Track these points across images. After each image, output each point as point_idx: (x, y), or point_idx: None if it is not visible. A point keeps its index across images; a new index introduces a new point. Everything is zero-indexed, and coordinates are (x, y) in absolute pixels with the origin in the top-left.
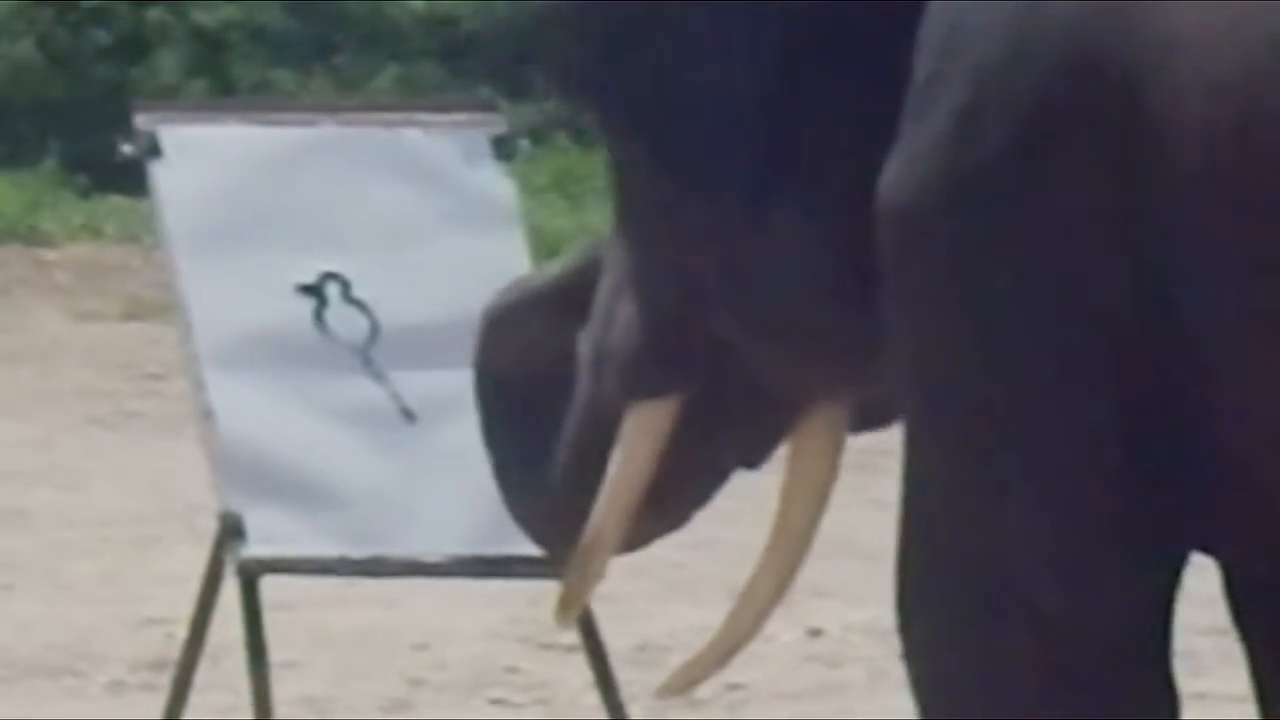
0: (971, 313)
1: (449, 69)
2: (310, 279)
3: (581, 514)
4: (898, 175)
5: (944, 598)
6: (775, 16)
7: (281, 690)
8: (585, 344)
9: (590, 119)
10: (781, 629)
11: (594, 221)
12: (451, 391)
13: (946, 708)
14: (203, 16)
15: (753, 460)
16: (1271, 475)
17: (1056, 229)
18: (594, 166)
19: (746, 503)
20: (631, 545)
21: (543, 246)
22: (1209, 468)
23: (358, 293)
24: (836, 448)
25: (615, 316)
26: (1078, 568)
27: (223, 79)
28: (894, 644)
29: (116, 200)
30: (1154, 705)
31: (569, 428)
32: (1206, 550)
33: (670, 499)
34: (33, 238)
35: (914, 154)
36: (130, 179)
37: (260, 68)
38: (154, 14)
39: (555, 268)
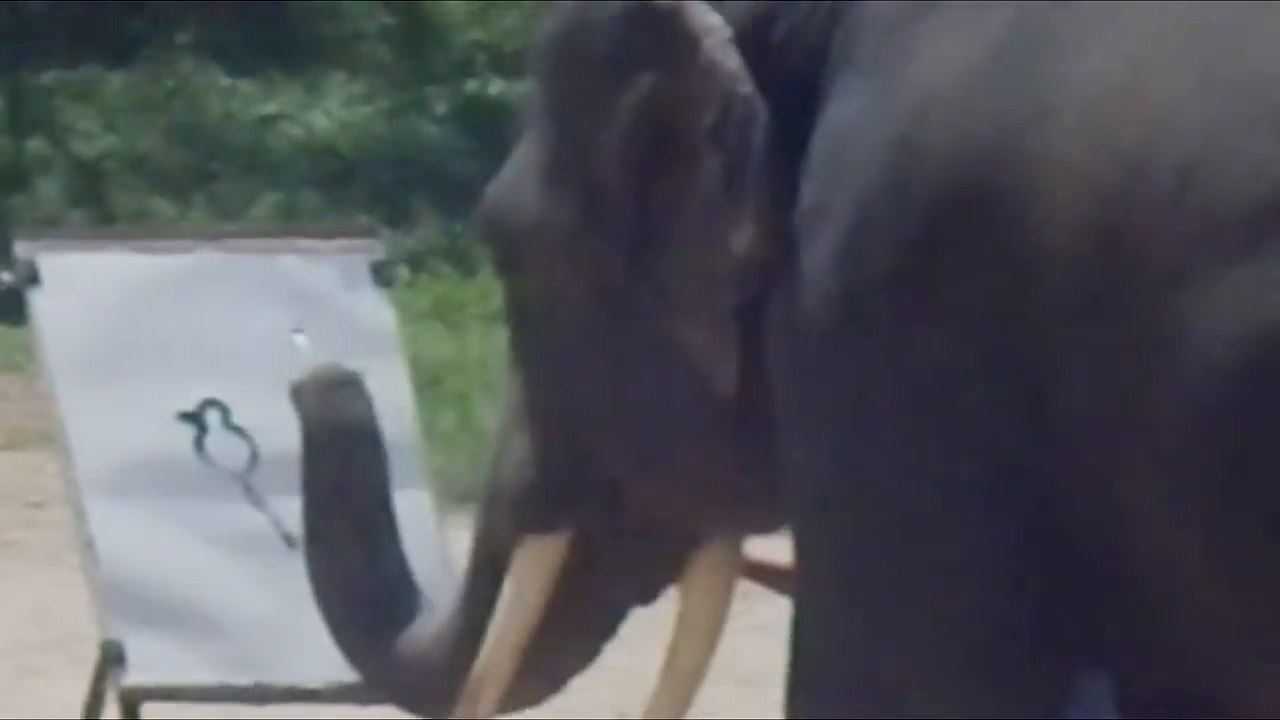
0: (857, 441)
1: (328, 197)
2: (190, 406)
3: (468, 654)
4: (782, 306)
5: None
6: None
7: None
8: (484, 479)
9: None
10: None
11: (474, 349)
12: None
13: None
14: (82, 146)
15: (645, 597)
16: (1158, 583)
17: (939, 356)
18: (473, 293)
19: (634, 627)
20: (538, 693)
21: (423, 373)
22: (1097, 584)
23: (238, 419)
24: (729, 585)
25: (508, 451)
26: (970, 699)
27: (103, 208)
28: None
29: None
30: None
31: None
32: (1097, 665)
33: (565, 637)
34: None
35: (799, 285)
36: (9, 307)
37: (140, 196)
38: (33, 144)
39: None
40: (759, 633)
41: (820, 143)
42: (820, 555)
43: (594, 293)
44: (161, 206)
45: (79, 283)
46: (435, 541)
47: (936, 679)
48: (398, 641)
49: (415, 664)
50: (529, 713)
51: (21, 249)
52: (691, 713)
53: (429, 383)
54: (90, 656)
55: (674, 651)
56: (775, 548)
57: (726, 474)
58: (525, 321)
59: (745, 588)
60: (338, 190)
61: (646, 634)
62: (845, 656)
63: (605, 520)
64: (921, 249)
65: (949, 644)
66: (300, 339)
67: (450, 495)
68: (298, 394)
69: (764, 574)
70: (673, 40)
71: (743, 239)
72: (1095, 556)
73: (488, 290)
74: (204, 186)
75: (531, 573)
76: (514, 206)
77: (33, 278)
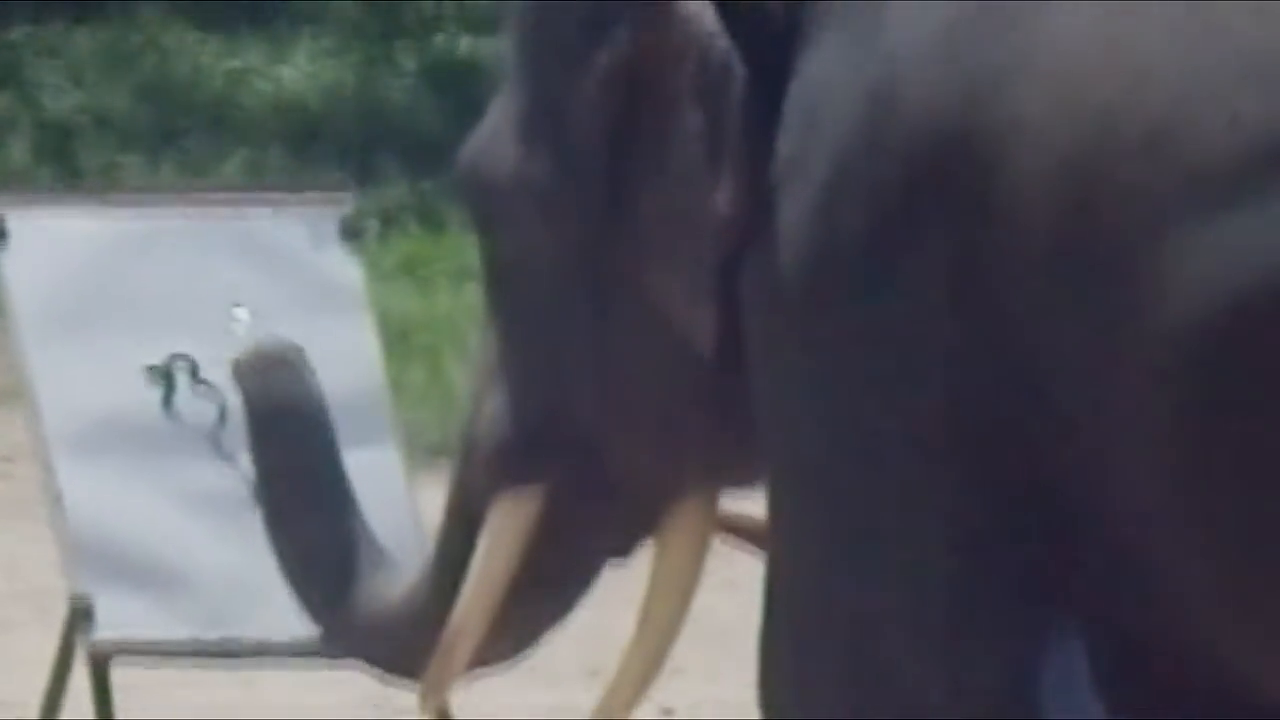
0: (835, 397)
1: (297, 153)
2: (158, 361)
3: (441, 610)
4: (759, 260)
5: (809, 681)
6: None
7: None
8: (458, 435)
9: (473, 203)
10: (635, 708)
11: (443, 305)
12: None
13: None
14: (50, 103)
15: (621, 551)
16: (1135, 534)
17: (916, 311)
18: (443, 251)
19: (603, 585)
20: (512, 649)
21: (392, 329)
22: (1076, 537)
23: (206, 375)
24: (704, 540)
25: (483, 406)
26: (947, 646)
27: (71, 165)
28: None
29: None
30: None
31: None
32: (1076, 620)
33: (540, 592)
34: None
35: (776, 238)
36: None
37: (108, 154)
38: (1, 101)
39: None
40: (731, 588)
41: (796, 97)
42: (796, 510)
43: (571, 249)
44: (130, 163)
45: (46, 241)
46: (404, 497)
47: (912, 631)
48: (366, 602)
49: (386, 622)
50: (501, 671)
51: None
52: (665, 666)
53: (398, 338)
54: (58, 612)
55: (648, 606)
56: (748, 504)
57: (703, 430)
58: (501, 277)
59: (716, 545)
60: (306, 147)
61: (618, 591)
62: (820, 611)
63: (581, 474)
64: (896, 205)
65: (926, 598)
66: (241, 312)
67: (419, 450)
68: (238, 371)
69: (738, 529)
70: None
71: (719, 195)
72: (1072, 505)
73: (456, 247)
74: (173, 143)
75: (507, 527)
76: (491, 162)
77: (0, 236)
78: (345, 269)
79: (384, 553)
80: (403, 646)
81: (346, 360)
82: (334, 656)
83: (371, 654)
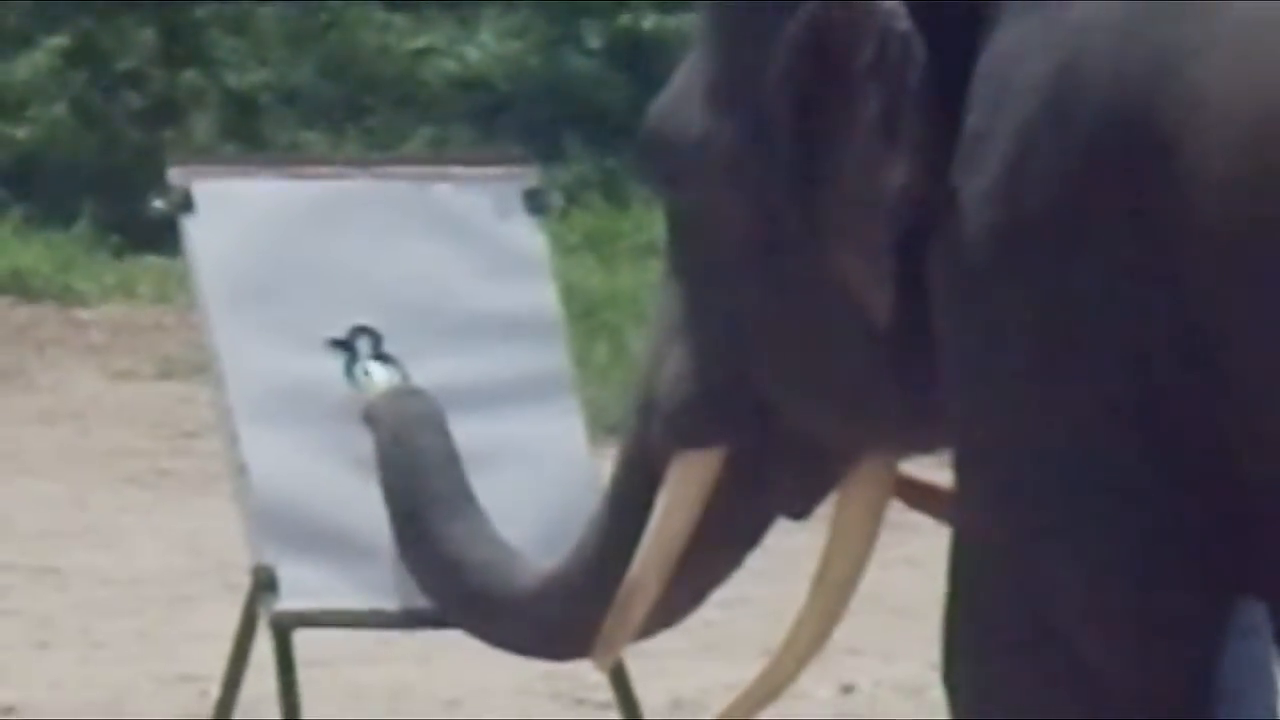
0: (1021, 368)
1: (481, 131)
2: (341, 333)
3: (613, 571)
4: (946, 237)
5: (995, 660)
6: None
7: None
8: (633, 393)
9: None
10: (815, 685)
11: (627, 281)
12: (482, 443)
13: None
14: (235, 79)
15: (799, 511)
16: None
17: (1101, 282)
18: (627, 227)
19: (780, 561)
20: (681, 610)
21: (576, 305)
22: (1258, 514)
23: (389, 347)
24: (882, 501)
25: (663, 365)
26: (1129, 626)
27: (255, 141)
28: (927, 701)
29: (150, 260)
30: None
31: (612, 475)
32: (1260, 597)
33: (712, 552)
34: (67, 298)
35: (963, 212)
36: (164, 240)
37: (292, 130)
38: (187, 77)
39: None
40: (910, 564)
41: (983, 73)
42: (987, 485)
43: (754, 214)
44: (314, 140)
45: (232, 209)
46: (587, 470)
47: (1093, 609)
48: (514, 588)
49: (543, 599)
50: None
51: (175, 175)
52: (844, 644)
53: (582, 315)
54: (242, 585)
55: (825, 565)
56: (929, 472)
57: (880, 400)
58: (683, 238)
59: (898, 519)
60: (490, 124)
61: (793, 569)
62: (1007, 592)
63: (761, 436)
64: (1082, 179)
65: (1108, 575)
66: (374, 365)
67: (602, 427)
68: (371, 417)
69: (917, 494)
70: None
71: (899, 173)
72: (1255, 487)
73: (641, 223)
74: (357, 120)
75: (687, 487)
76: (679, 123)
77: (186, 204)
78: (530, 240)
79: (511, 548)
80: (562, 620)
81: (530, 330)
82: None
83: (532, 636)
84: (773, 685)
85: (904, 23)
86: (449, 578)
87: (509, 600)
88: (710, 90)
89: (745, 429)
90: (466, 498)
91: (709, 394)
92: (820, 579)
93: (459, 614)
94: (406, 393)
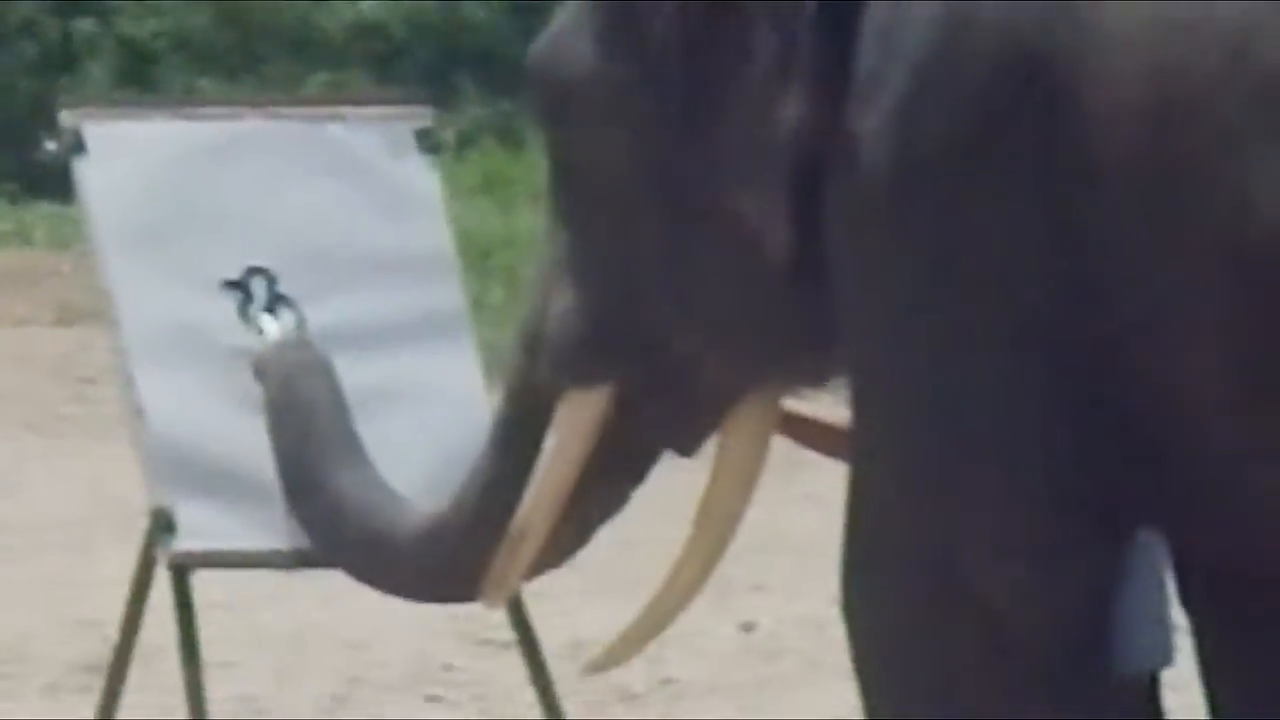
0: (914, 305)
1: (377, 77)
2: (236, 274)
3: (500, 511)
4: (840, 175)
5: (893, 596)
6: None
7: (218, 690)
8: (518, 331)
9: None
10: (716, 623)
11: (523, 224)
12: (379, 383)
13: (894, 707)
14: (130, 27)
15: (686, 447)
16: (1211, 451)
17: (995, 222)
18: (522, 170)
19: (679, 501)
20: (568, 548)
21: (472, 248)
22: (1154, 449)
23: (284, 287)
24: (766, 436)
25: (549, 304)
26: (1026, 559)
27: (150, 89)
28: (828, 637)
29: (46, 207)
30: (1102, 707)
31: (497, 413)
32: (1156, 532)
33: (600, 489)
34: None
35: (857, 150)
36: (60, 186)
37: (188, 77)
38: (81, 25)
39: None
40: (809, 501)
41: (875, 11)
42: (879, 426)
43: (645, 150)
44: (209, 87)
45: (125, 151)
46: (483, 409)
47: (994, 546)
48: (407, 531)
49: (429, 541)
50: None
51: (67, 118)
52: (746, 582)
53: (478, 257)
54: (141, 529)
55: (707, 499)
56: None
57: (773, 337)
58: (568, 176)
59: (798, 457)
60: (386, 70)
61: (692, 508)
62: (903, 525)
63: (649, 372)
64: (976, 117)
65: (1007, 511)
66: (266, 318)
67: (498, 368)
68: (260, 370)
69: (811, 431)
70: None
71: (793, 112)
72: (1155, 422)
73: (536, 166)
74: (252, 67)
75: (576, 425)
76: (566, 58)
77: (78, 146)
78: (424, 179)
79: (397, 493)
80: (450, 562)
81: (425, 269)
82: None
83: (420, 579)
84: (658, 619)
85: None
86: (335, 525)
87: (395, 544)
88: (599, 24)
89: (633, 367)
90: (353, 445)
91: (597, 332)
92: (704, 512)
93: (346, 561)
94: (294, 343)
